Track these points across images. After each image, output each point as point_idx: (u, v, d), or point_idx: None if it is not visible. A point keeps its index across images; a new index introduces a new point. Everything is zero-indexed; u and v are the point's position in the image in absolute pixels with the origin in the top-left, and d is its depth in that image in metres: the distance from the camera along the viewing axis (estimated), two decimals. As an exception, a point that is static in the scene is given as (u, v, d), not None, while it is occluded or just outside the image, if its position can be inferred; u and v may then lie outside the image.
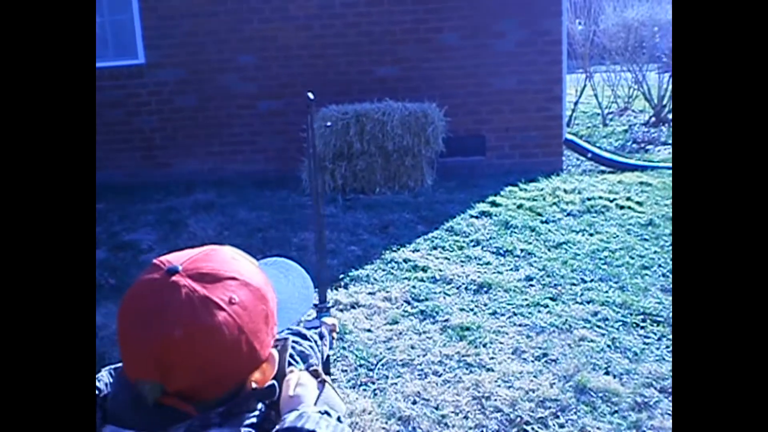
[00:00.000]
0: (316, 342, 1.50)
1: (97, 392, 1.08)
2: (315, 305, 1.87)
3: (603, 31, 11.53)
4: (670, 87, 10.33)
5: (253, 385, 1.08)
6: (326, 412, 1.08)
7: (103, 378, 1.11)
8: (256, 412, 1.06)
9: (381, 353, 3.73)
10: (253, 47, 7.35)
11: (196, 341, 0.99)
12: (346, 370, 3.58)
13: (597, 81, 11.20)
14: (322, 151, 6.66)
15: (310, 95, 2.13)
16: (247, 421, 1.04)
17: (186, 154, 7.62)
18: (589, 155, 7.73)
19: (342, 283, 4.63)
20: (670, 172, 7.23)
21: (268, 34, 7.32)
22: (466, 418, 3.14)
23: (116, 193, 7.05)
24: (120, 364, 1.08)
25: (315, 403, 1.12)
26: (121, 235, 5.85)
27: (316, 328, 1.60)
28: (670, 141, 9.15)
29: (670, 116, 10.41)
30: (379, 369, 3.58)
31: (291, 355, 1.31)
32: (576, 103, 11.07)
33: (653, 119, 10.58)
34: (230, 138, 7.56)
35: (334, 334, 1.74)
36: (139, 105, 7.57)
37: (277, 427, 1.04)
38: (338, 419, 1.08)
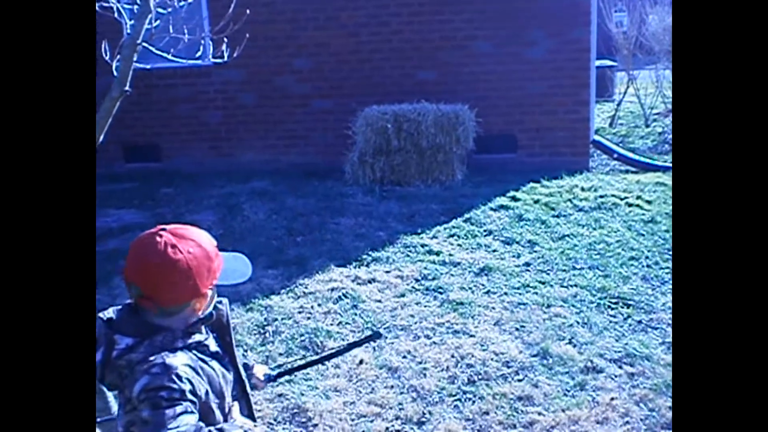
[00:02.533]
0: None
1: (105, 317, 1.83)
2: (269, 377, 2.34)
3: (651, 34, 11.87)
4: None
5: (195, 310, 1.86)
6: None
7: (109, 312, 1.88)
8: (203, 334, 1.88)
9: (386, 319, 4.50)
10: (307, 52, 8.20)
11: (163, 266, 1.78)
12: (354, 331, 4.37)
13: (643, 83, 11.57)
14: (363, 146, 7.45)
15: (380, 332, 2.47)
16: (198, 336, 1.85)
17: (247, 146, 8.55)
18: (615, 155, 8.25)
19: (365, 262, 5.41)
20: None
21: (321, 41, 8.14)
22: (442, 370, 3.88)
23: (184, 179, 8.03)
24: (115, 308, 1.87)
25: None
26: (185, 216, 6.78)
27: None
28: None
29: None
30: (381, 331, 4.35)
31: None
32: (619, 103, 11.48)
33: (695, 121, 10.91)
34: (285, 133, 8.44)
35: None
36: (206, 101, 8.53)
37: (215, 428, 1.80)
38: None
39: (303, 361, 2.66)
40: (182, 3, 2.34)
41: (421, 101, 7.54)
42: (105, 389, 2.57)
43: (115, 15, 2.29)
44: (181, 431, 1.66)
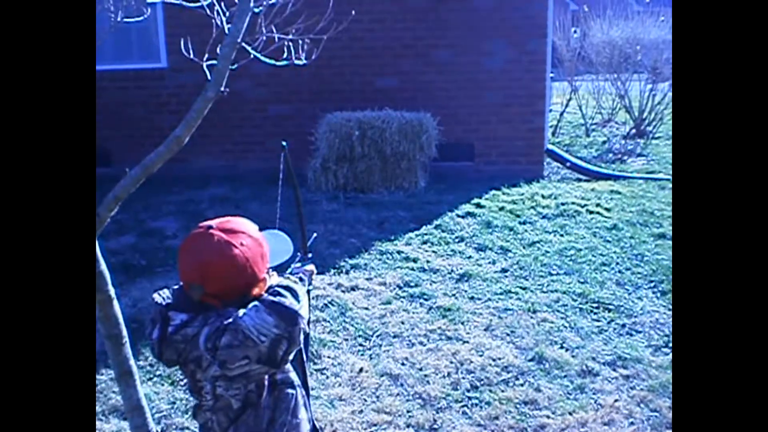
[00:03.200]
0: (298, 281, 2.26)
1: (160, 300, 1.90)
2: (300, 258, 2.56)
3: (590, 45, 12.29)
4: (650, 102, 11.11)
5: (253, 295, 1.92)
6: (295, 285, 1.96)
7: (164, 293, 1.95)
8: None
9: (376, 327, 4.49)
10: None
11: (223, 263, 1.85)
12: (347, 339, 4.33)
13: (582, 94, 11.97)
14: (326, 153, 7.40)
15: (284, 143, 2.60)
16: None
17: (202, 151, 8.35)
18: (568, 164, 8.49)
19: (344, 270, 5.38)
20: (640, 181, 8.02)
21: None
22: (444, 377, 3.90)
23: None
24: (170, 289, 1.94)
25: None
26: (147, 222, 6.58)
27: (296, 274, 2.34)
28: (645, 153, 9.94)
29: (649, 129, 11.19)
30: (374, 339, 4.34)
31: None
32: (562, 114, 11.83)
33: (633, 131, 11.36)
34: (242, 138, 8.30)
35: (313, 276, 2.49)
36: (159, 105, 8.30)
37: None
38: (307, 291, 1.99)
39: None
40: (272, 1, 2.30)
41: (384, 108, 7.56)
42: (146, 408, 2.49)
43: (207, 12, 2.24)
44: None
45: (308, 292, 2.24)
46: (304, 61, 2.55)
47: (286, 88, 8.16)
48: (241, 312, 1.82)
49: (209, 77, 2.13)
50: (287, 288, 1.91)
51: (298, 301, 1.87)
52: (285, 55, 2.59)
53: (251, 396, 1.89)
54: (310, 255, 2.55)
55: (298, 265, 2.47)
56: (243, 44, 2.12)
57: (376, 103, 7.72)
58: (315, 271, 2.49)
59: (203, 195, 7.39)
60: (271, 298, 1.85)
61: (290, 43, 2.54)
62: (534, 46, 7.96)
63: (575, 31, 12.60)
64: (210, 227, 1.89)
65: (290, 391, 1.99)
